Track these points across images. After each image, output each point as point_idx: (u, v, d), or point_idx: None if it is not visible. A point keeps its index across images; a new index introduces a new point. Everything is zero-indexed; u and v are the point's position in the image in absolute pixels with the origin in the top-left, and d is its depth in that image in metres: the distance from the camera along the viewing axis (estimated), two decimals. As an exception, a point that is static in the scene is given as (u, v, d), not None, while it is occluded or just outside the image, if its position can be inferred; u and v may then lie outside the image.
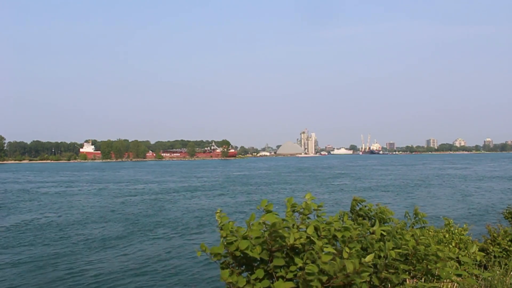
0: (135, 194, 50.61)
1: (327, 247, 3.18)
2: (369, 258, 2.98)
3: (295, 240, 3.24)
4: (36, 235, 25.42)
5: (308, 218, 3.75)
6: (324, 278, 2.95)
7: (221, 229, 3.45)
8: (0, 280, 16.24)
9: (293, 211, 3.72)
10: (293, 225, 3.50)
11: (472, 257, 5.85)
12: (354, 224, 4.38)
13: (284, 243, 3.25)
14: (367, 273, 3.00)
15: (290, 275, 3.18)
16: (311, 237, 3.36)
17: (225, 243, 3.32)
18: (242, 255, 3.32)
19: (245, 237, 3.34)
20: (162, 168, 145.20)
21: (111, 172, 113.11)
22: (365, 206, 5.55)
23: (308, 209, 3.69)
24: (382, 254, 3.59)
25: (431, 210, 33.12)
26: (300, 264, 3.14)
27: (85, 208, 37.92)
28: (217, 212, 3.57)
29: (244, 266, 3.48)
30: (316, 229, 3.50)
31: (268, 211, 3.50)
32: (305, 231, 3.43)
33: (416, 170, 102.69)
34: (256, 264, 3.44)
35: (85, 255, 20.08)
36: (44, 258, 19.62)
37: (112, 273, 16.95)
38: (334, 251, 3.22)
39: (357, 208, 5.55)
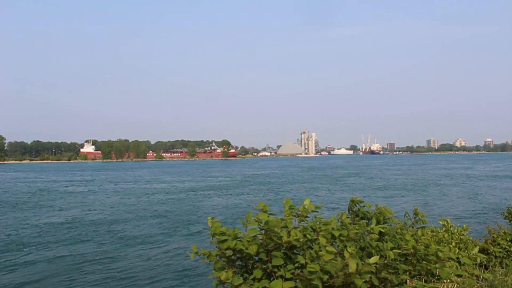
0: (161, 193, 51.34)
1: (327, 246, 3.16)
2: (373, 259, 2.94)
3: (289, 237, 3.21)
4: (76, 232, 25.83)
5: (306, 220, 3.72)
6: (325, 277, 2.92)
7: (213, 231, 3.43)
8: (40, 275, 16.65)
9: (291, 213, 3.69)
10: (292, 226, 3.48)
11: (472, 258, 5.81)
12: (352, 224, 4.35)
13: (279, 241, 3.22)
14: (368, 274, 2.97)
15: (288, 275, 3.14)
16: (308, 235, 3.33)
17: (217, 242, 3.29)
18: (235, 254, 3.30)
19: (236, 237, 3.31)
20: (172, 168, 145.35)
21: (124, 172, 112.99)
22: (364, 207, 5.51)
23: (306, 211, 3.66)
24: (381, 254, 3.56)
25: (444, 209, 33.65)
26: (302, 262, 3.11)
27: (117, 206, 38.40)
28: (209, 219, 3.56)
29: (239, 267, 3.44)
30: (313, 229, 3.47)
31: (265, 212, 3.48)
32: (301, 231, 3.41)
33: (425, 170, 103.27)
34: (251, 263, 3.40)
35: (127, 251, 20.53)
36: (87, 254, 20.05)
37: (152, 269, 17.35)
38: (335, 250, 3.20)
39: (355, 209, 5.52)
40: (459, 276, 3.41)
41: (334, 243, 3.56)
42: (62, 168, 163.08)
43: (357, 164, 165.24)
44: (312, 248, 3.32)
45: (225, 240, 3.24)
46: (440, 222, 8.94)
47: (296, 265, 3.22)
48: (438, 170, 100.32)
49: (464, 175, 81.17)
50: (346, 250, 3.20)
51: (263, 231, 3.33)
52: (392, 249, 3.52)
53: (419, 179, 71.04)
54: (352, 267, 2.85)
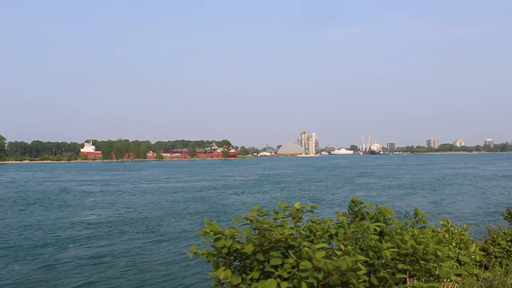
0: (182, 192, 52.31)
1: (318, 244, 3.17)
2: (361, 256, 2.96)
3: (281, 234, 3.23)
4: (113, 229, 26.47)
5: (301, 221, 3.74)
6: (320, 276, 2.93)
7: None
8: (80, 272, 17.17)
9: (286, 215, 3.72)
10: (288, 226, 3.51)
11: (472, 256, 5.82)
12: (352, 224, 4.38)
13: (273, 239, 3.24)
14: (363, 272, 2.98)
15: (286, 274, 3.15)
16: (302, 232, 3.35)
17: (212, 240, 3.32)
18: (232, 254, 3.32)
19: (232, 237, 3.34)
20: (180, 168, 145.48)
21: (137, 172, 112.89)
22: (364, 207, 5.52)
23: (300, 213, 3.69)
24: (379, 254, 3.57)
25: (455, 208, 34.32)
26: (292, 261, 3.11)
27: (146, 205, 39.09)
28: (206, 221, 3.60)
29: (237, 267, 3.46)
30: (310, 230, 3.49)
31: (259, 214, 3.51)
32: (298, 232, 3.43)
33: (433, 170, 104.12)
34: (249, 263, 3.41)
35: (161, 248, 21.18)
36: (125, 250, 20.75)
37: (184, 264, 17.81)
38: (326, 245, 3.22)
39: (356, 209, 5.52)
40: (458, 275, 3.43)
41: (331, 243, 3.57)
42: (69, 168, 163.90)
43: (362, 164, 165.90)
44: (309, 248, 3.34)
45: (218, 238, 3.27)
46: (441, 222, 8.96)
47: (293, 264, 3.23)
48: (445, 170, 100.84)
49: (472, 174, 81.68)
50: (339, 247, 3.21)
51: (257, 231, 3.35)
52: (389, 248, 3.54)
53: (429, 178, 71.85)
54: (343, 265, 2.87)
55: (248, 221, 3.42)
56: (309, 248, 3.12)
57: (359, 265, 2.92)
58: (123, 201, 43.03)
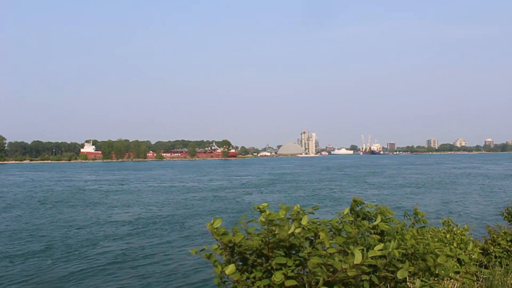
0: (200, 191, 52.91)
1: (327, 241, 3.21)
2: (378, 248, 2.97)
3: (294, 230, 3.27)
4: (140, 228, 26.91)
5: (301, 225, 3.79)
6: (328, 273, 2.96)
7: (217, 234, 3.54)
8: (110, 269, 17.58)
9: (287, 218, 3.76)
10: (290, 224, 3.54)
11: (471, 256, 5.85)
12: (354, 225, 4.41)
13: (285, 234, 3.27)
14: (370, 269, 3.01)
15: (290, 273, 3.18)
16: (310, 229, 3.38)
17: (220, 234, 3.36)
18: (238, 249, 3.35)
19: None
20: (187, 168, 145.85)
21: (148, 172, 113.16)
22: (365, 207, 5.55)
23: (301, 214, 3.73)
24: (383, 254, 3.59)
25: (464, 207, 34.89)
26: (305, 256, 3.15)
27: (167, 204, 39.66)
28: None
29: (240, 265, 3.49)
30: (310, 230, 3.52)
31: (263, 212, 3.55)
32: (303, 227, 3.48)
33: (438, 169, 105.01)
34: (252, 261, 3.44)
35: (186, 246, 21.73)
36: (155, 249, 21.23)
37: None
38: (335, 242, 3.26)
39: (357, 209, 5.55)
40: (457, 273, 3.46)
41: (333, 245, 3.59)
42: (72, 167, 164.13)
43: (366, 163, 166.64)
44: (313, 247, 3.36)
45: (225, 234, 3.33)
46: (442, 222, 8.98)
47: (297, 262, 3.25)
48: (452, 170, 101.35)
49: (480, 174, 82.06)
50: (348, 246, 3.23)
51: (265, 227, 3.39)
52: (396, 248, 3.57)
53: (437, 178, 72.48)
54: (359, 257, 2.87)
55: (260, 211, 3.46)
56: (319, 244, 3.16)
57: (370, 260, 2.95)
58: (144, 199, 43.61)
